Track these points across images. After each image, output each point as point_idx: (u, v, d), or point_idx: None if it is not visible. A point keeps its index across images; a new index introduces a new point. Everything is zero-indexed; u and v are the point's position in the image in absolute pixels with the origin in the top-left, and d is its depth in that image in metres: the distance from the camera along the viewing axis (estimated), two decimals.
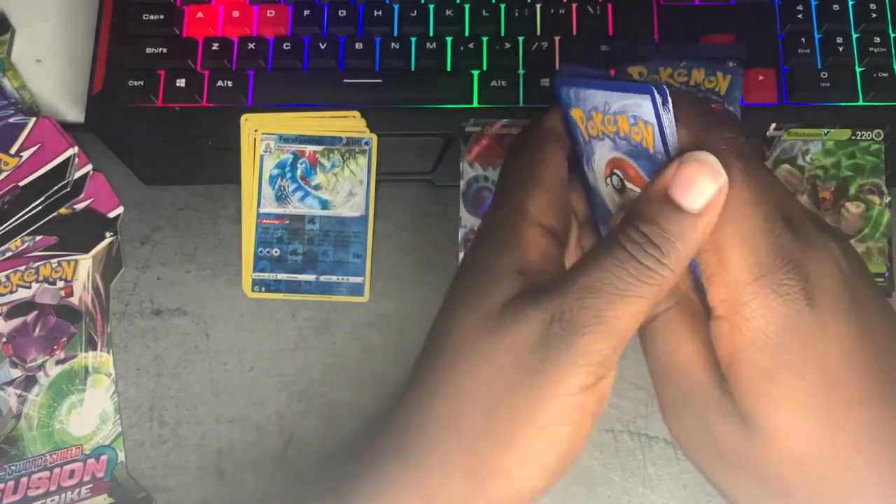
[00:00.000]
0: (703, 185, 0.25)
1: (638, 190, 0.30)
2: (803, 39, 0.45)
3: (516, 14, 0.46)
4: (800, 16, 0.46)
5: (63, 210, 0.46)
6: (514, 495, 0.27)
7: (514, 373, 0.26)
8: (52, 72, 0.49)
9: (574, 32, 0.46)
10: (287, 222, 0.45)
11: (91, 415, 0.44)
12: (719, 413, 0.28)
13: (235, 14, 0.47)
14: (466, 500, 0.27)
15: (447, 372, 0.28)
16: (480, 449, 0.27)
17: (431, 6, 0.46)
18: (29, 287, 0.45)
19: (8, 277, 0.45)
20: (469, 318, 0.28)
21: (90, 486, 0.43)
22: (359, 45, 0.46)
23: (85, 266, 0.46)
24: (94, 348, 0.45)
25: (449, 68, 0.45)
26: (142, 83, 0.45)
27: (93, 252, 0.46)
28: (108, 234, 0.47)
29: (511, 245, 0.29)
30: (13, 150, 0.46)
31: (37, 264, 0.45)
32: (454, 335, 0.28)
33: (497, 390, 0.27)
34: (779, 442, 0.27)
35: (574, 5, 0.46)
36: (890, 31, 0.45)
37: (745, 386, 0.27)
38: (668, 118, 0.27)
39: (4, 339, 0.44)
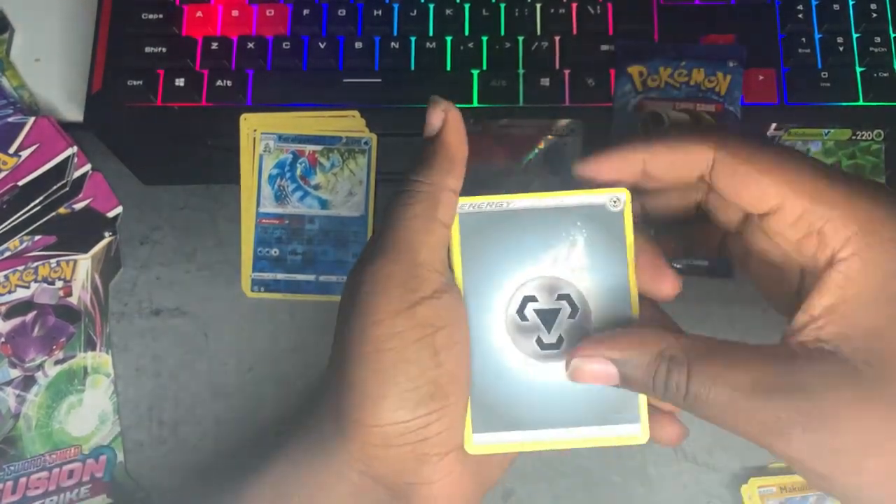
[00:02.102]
0: (431, 115, 0.33)
1: None
2: (803, 39, 0.45)
3: (516, 14, 0.46)
4: (800, 16, 0.46)
5: (62, 210, 0.46)
6: (364, 420, 0.30)
7: (343, 320, 0.31)
8: (51, 71, 0.49)
9: (574, 32, 0.46)
10: (286, 222, 0.45)
11: (90, 415, 0.44)
12: None
13: (235, 13, 0.47)
14: (337, 429, 0.31)
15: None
16: (336, 384, 0.31)
17: (431, 6, 0.46)
18: (28, 287, 0.45)
19: (7, 277, 0.45)
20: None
21: (89, 486, 0.43)
22: (358, 45, 0.46)
23: (84, 266, 0.46)
24: (93, 348, 0.45)
25: (449, 68, 0.45)
26: (141, 82, 0.45)
27: (92, 252, 0.46)
28: (107, 234, 0.46)
29: None
30: (12, 150, 0.46)
31: (36, 264, 0.45)
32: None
33: (339, 340, 0.31)
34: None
35: (574, 5, 0.46)
36: (890, 32, 0.45)
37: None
38: None
39: (3, 339, 0.44)
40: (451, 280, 0.32)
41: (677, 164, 0.32)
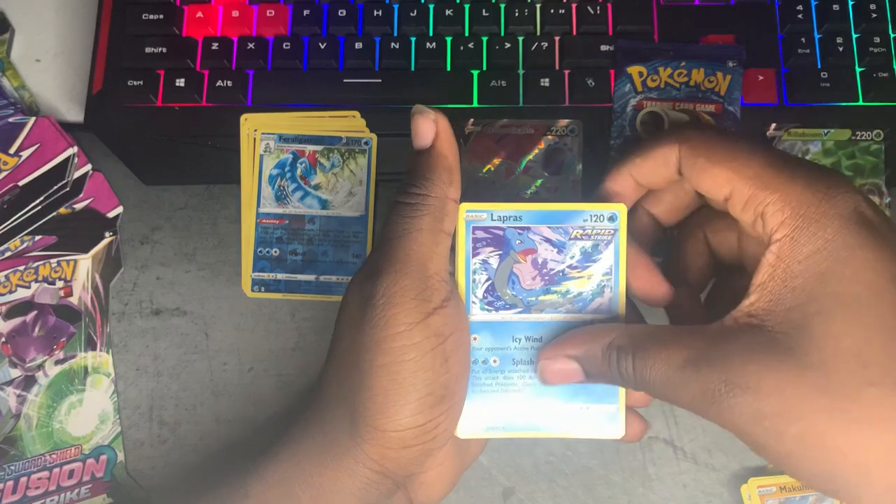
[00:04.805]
0: (422, 126, 0.33)
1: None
2: (803, 39, 0.45)
3: (516, 14, 0.46)
4: (800, 16, 0.46)
5: (62, 210, 0.46)
6: (385, 426, 0.32)
7: (355, 331, 0.32)
8: (52, 71, 0.49)
9: (574, 32, 0.46)
10: (287, 222, 0.45)
11: (90, 415, 0.44)
12: None
13: (235, 14, 0.47)
14: (351, 432, 0.32)
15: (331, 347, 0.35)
16: (349, 392, 0.33)
17: (431, 6, 0.46)
18: (28, 287, 0.45)
19: (7, 277, 0.45)
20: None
21: (89, 486, 0.43)
22: (358, 45, 0.46)
23: (84, 266, 0.46)
24: (94, 348, 0.45)
25: (449, 68, 0.45)
26: (141, 83, 0.45)
27: (92, 252, 0.46)
28: (107, 234, 0.46)
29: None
30: (12, 150, 0.46)
31: (36, 264, 0.45)
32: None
33: (351, 350, 0.32)
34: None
35: (574, 5, 0.46)
36: (890, 32, 0.45)
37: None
38: None
39: (4, 339, 0.44)
40: (454, 286, 0.34)
41: (655, 167, 0.34)
